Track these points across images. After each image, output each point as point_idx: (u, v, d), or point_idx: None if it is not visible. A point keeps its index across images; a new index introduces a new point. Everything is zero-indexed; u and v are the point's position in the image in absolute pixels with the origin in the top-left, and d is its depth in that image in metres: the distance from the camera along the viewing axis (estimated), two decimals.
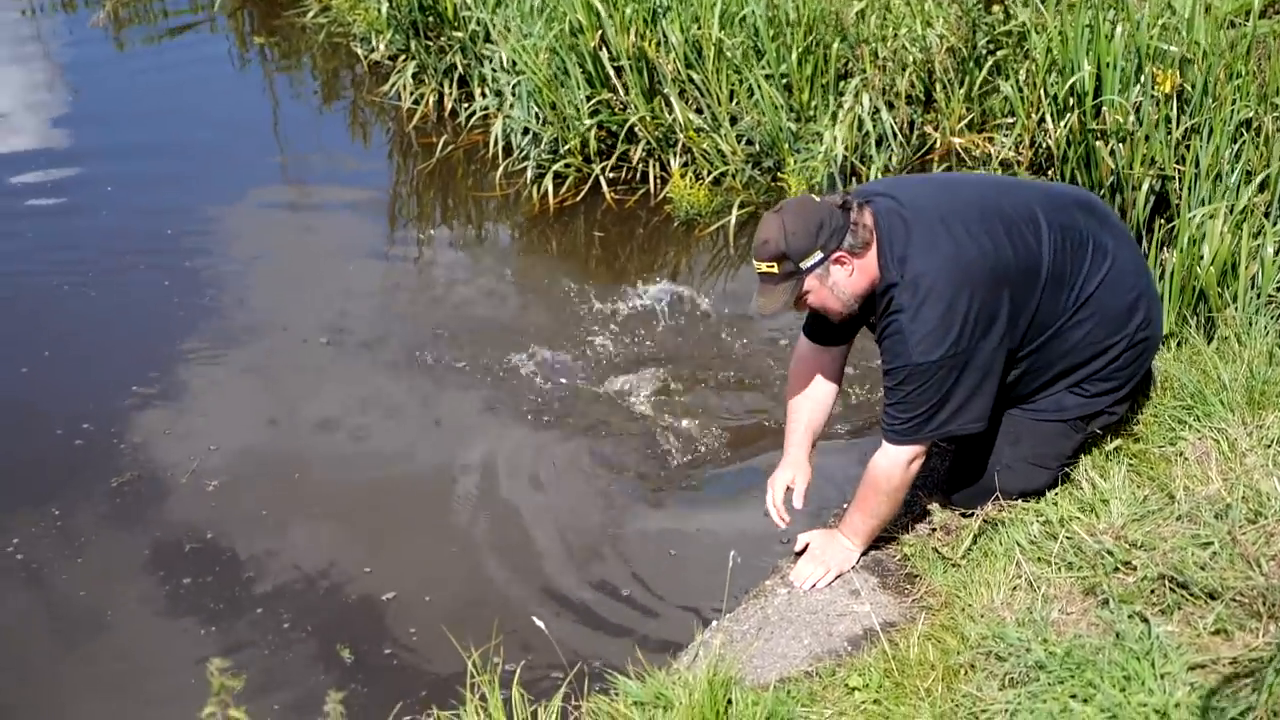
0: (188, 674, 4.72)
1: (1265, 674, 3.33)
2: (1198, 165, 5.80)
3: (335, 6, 10.72)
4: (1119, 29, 6.36)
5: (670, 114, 7.76)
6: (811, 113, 7.62)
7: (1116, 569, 4.02)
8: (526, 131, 8.11)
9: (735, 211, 7.46)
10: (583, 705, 3.97)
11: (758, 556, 4.88)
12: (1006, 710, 3.59)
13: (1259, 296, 5.25)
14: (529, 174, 8.03)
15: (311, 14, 10.95)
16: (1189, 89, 6.24)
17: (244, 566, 5.30)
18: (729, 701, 3.77)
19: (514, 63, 8.13)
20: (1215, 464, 4.34)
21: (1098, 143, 6.50)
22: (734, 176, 7.70)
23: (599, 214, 7.84)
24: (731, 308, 6.81)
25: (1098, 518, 4.25)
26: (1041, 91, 6.90)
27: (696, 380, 6.21)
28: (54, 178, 8.85)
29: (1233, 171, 5.74)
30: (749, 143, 7.74)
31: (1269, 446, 4.38)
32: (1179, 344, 5.23)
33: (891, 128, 7.48)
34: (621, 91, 7.82)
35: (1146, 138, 6.18)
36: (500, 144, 8.22)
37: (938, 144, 7.58)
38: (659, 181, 7.90)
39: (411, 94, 9.08)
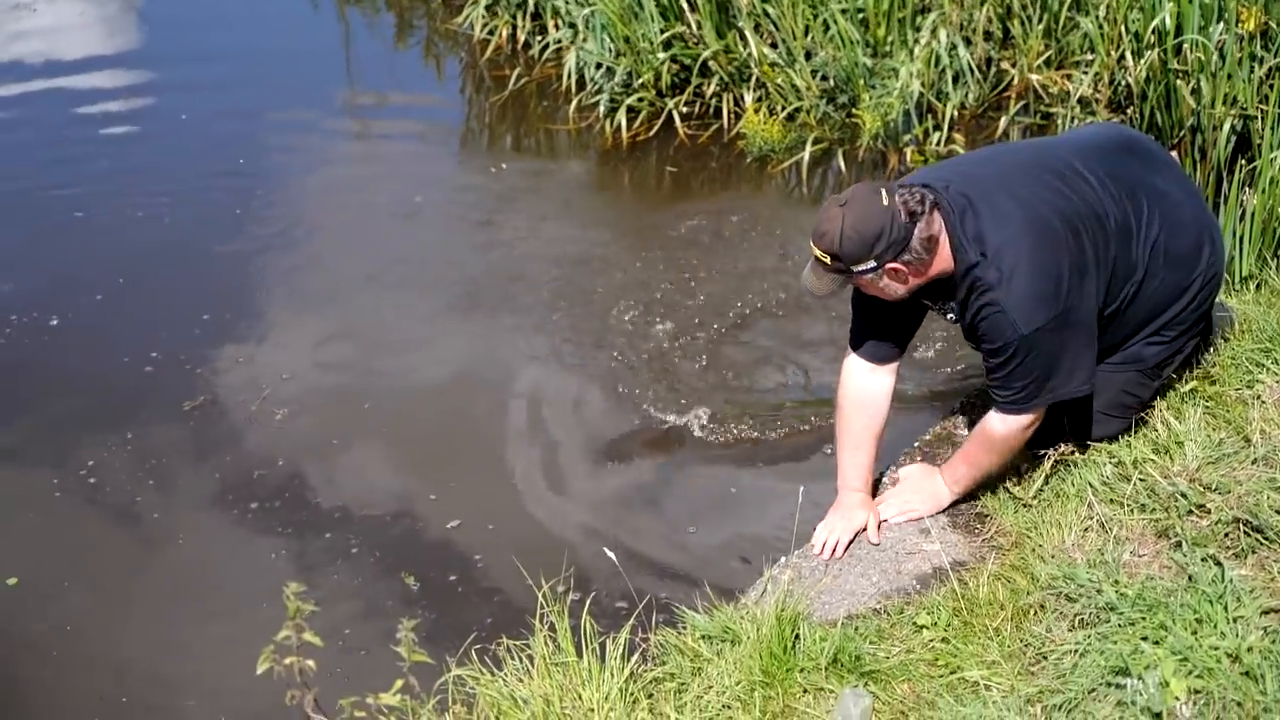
0: (257, 597, 4.79)
1: None
2: None
3: None
4: None
5: (745, 48, 7.70)
6: (888, 48, 7.54)
7: (1190, 512, 3.99)
8: (599, 65, 8.07)
9: (809, 148, 7.41)
10: (650, 638, 3.99)
11: (827, 493, 4.88)
12: (1076, 651, 3.58)
13: None
14: (602, 108, 7.99)
15: None
16: (1273, 26, 6.13)
17: (311, 493, 5.37)
18: (796, 637, 3.78)
19: None
20: None
21: (1178, 81, 6.41)
22: (808, 112, 7.64)
23: (672, 149, 7.80)
24: (803, 244, 6.76)
25: (1172, 460, 4.21)
26: (1122, 28, 6.79)
27: (765, 318, 6.19)
28: (129, 107, 8.89)
29: None
30: (824, 78, 7.67)
31: None
32: (1258, 286, 5.17)
33: (969, 64, 7.39)
34: (695, 25, 7.76)
35: (1229, 76, 6.09)
36: (573, 77, 8.18)
37: (1015, 81, 7.49)
38: (733, 117, 7.85)
39: (485, 26, 9.04)
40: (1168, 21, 6.32)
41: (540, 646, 3.70)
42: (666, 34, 7.77)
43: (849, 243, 3.84)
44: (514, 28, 8.92)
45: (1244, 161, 5.94)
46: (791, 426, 5.50)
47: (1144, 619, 3.55)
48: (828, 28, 7.53)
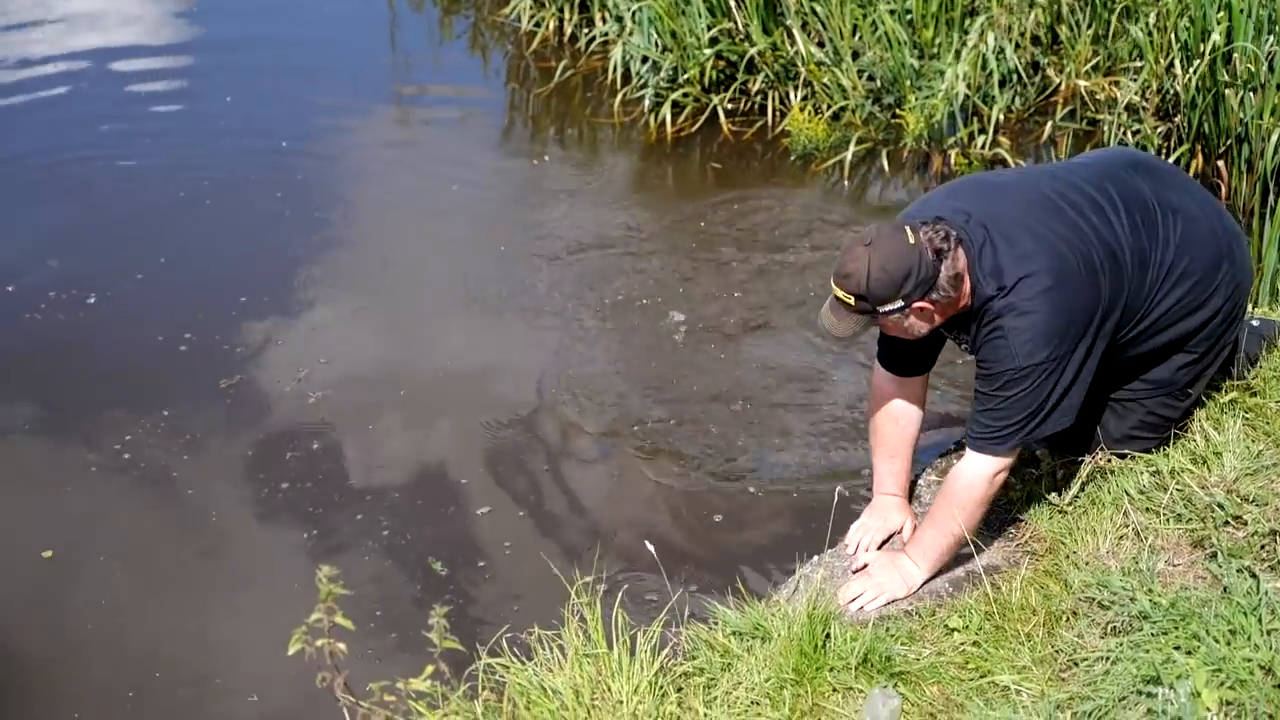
0: (289, 576, 4.86)
1: None
2: None
3: None
4: None
5: (792, 46, 7.69)
6: (935, 50, 7.52)
7: (1226, 523, 3.97)
8: (645, 59, 8.07)
9: (853, 147, 7.40)
10: (681, 632, 3.99)
11: (863, 492, 4.88)
12: (1107, 658, 3.57)
13: None
14: (646, 103, 8.00)
15: None
16: None
17: (343, 475, 5.40)
18: (827, 636, 3.78)
19: None
20: None
21: (1227, 91, 6.37)
22: (853, 112, 7.63)
23: (715, 145, 7.79)
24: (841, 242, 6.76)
25: (1209, 470, 4.20)
26: (1171, 36, 6.76)
27: (800, 311, 6.19)
28: (174, 87, 8.95)
29: None
30: (870, 78, 7.66)
31: None
32: None
33: (1016, 68, 7.37)
34: (741, 22, 7.76)
35: (1278, 87, 6.04)
36: (619, 71, 8.18)
37: (1062, 87, 7.47)
38: (777, 115, 7.84)
39: (532, 17, 9.05)
40: (1217, 32, 6.28)
41: (571, 637, 3.71)
42: (713, 30, 7.77)
43: (877, 284, 3.75)
44: (561, 20, 8.93)
45: None
46: (830, 427, 5.49)
47: (1177, 628, 3.54)
48: (875, 28, 7.52)
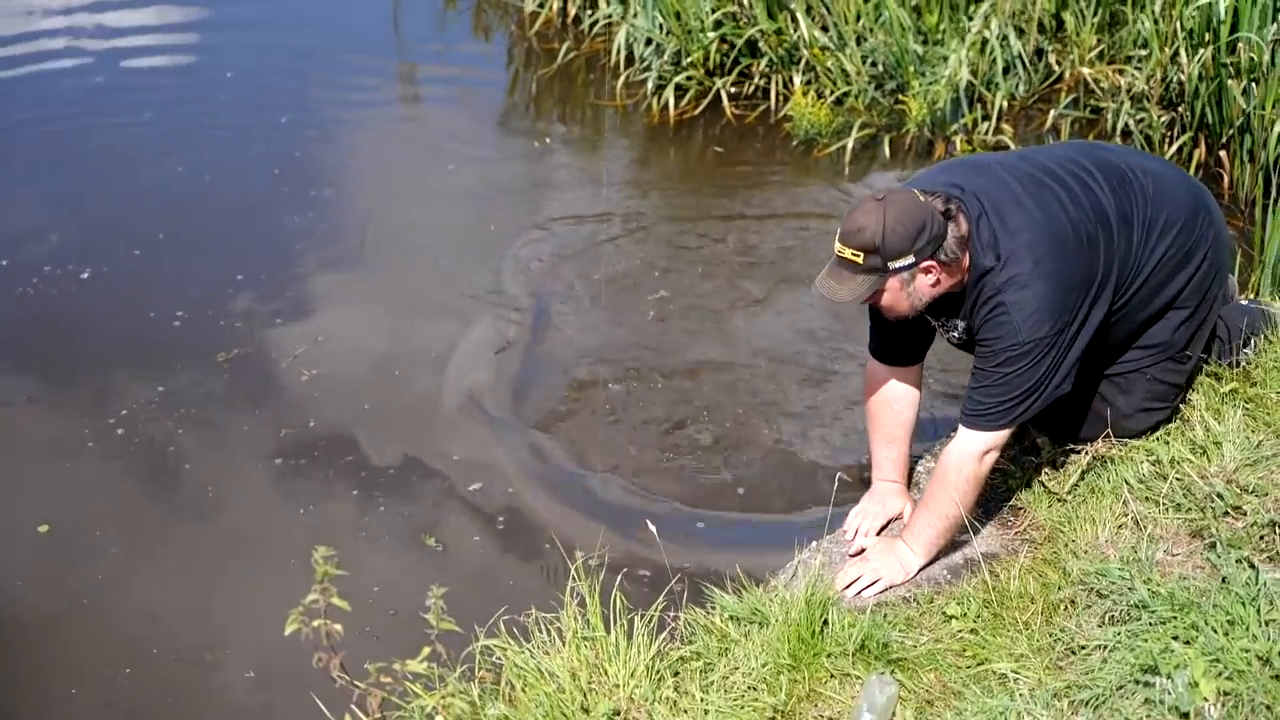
0: (286, 551, 4.85)
1: None
2: None
3: None
4: None
5: (795, 30, 7.67)
6: (939, 36, 7.51)
7: (1226, 513, 3.97)
8: (649, 42, 8.05)
9: (855, 133, 7.38)
10: (679, 616, 3.99)
11: (863, 478, 4.87)
12: (1105, 647, 3.56)
13: None
14: (649, 85, 7.98)
15: None
16: None
17: (338, 451, 5.41)
18: (825, 622, 3.78)
19: None
20: None
21: (1230, 81, 6.36)
22: (856, 97, 7.62)
23: (718, 129, 7.78)
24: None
25: (1209, 460, 4.19)
26: (1177, 24, 6.74)
27: (797, 299, 6.19)
28: (174, 62, 8.96)
29: None
30: (873, 64, 7.65)
31: None
32: None
33: (1020, 54, 7.35)
34: (746, 5, 7.74)
35: None
36: (622, 53, 8.16)
37: (1066, 74, 7.45)
38: (780, 99, 7.82)
39: None
40: (1223, 17, 6.26)
41: (570, 620, 3.71)
42: (717, 12, 7.75)
43: (892, 235, 3.71)
44: (564, 1, 8.91)
45: None
46: (832, 414, 5.49)
47: (1175, 618, 3.53)
48: (879, 12, 7.50)
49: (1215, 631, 3.44)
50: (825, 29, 7.73)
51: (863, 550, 4.27)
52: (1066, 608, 3.80)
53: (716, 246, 6.66)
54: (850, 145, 7.36)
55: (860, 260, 3.76)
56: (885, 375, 4.35)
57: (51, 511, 5.08)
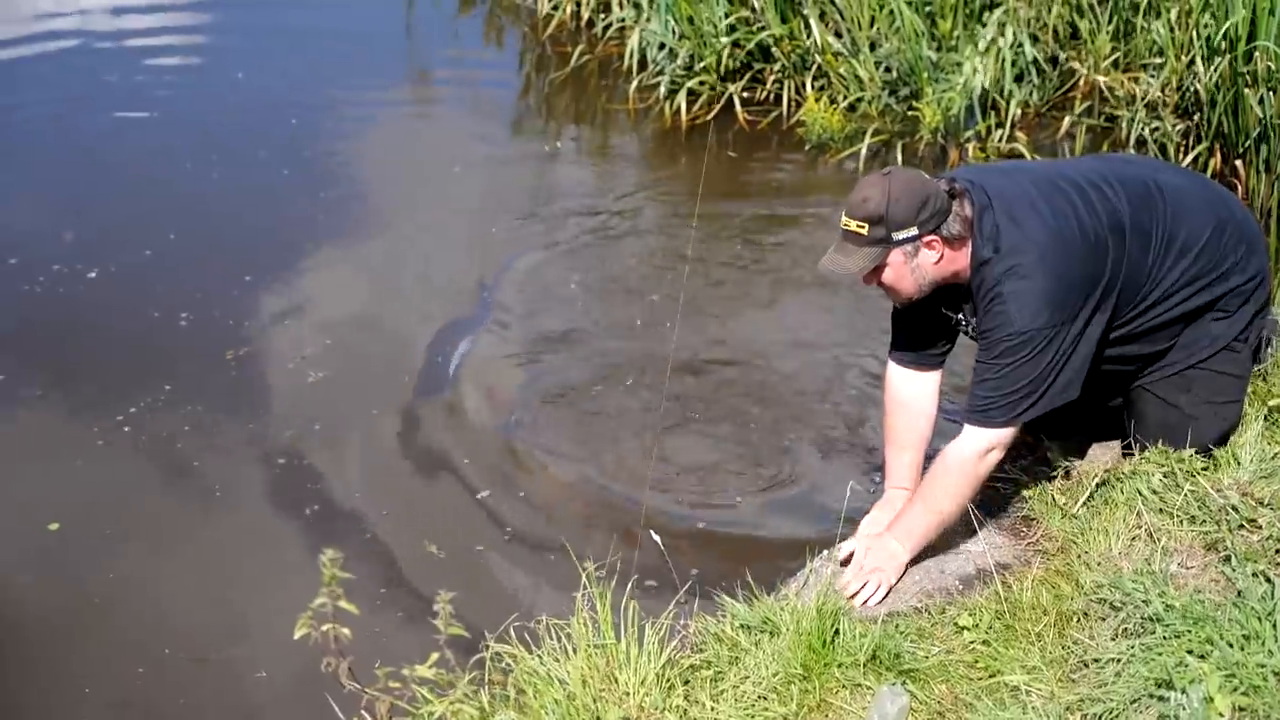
0: (293, 551, 4.88)
1: None
2: None
3: None
4: None
5: (809, 36, 7.66)
6: (953, 42, 7.49)
7: (1241, 526, 3.94)
8: (662, 46, 8.04)
9: (868, 139, 7.37)
10: (690, 624, 3.97)
11: (876, 488, 4.86)
12: (1119, 660, 3.54)
13: None
14: (662, 89, 7.97)
15: None
16: None
17: (343, 454, 5.41)
18: (836, 631, 3.75)
19: None
20: None
21: (1246, 90, 6.33)
22: (869, 103, 7.61)
23: (730, 133, 7.77)
24: None
25: (1224, 472, 4.16)
26: (1193, 33, 6.72)
27: (809, 301, 6.17)
28: (186, 63, 9.00)
29: None
30: (887, 70, 7.63)
31: None
32: None
33: (1036, 60, 7.33)
34: (759, 10, 7.73)
35: None
36: (635, 58, 8.16)
37: (1081, 82, 7.43)
38: (793, 105, 7.81)
39: (549, 1, 9.03)
40: (1240, 27, 6.24)
41: (580, 627, 3.69)
42: (730, 17, 7.74)
43: (896, 204, 3.78)
44: (578, 4, 8.93)
45: None
46: (844, 424, 5.47)
47: (1190, 632, 3.51)
48: (893, 19, 7.48)
49: (1230, 646, 3.42)
50: (838, 34, 7.72)
51: (852, 554, 4.22)
52: (1079, 620, 3.77)
53: (725, 250, 6.65)
54: (863, 152, 7.34)
55: (865, 231, 3.83)
56: (904, 380, 4.33)
57: (61, 510, 5.08)
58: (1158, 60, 7.11)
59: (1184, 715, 3.24)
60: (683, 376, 5.72)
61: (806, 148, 7.55)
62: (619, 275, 6.52)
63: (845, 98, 7.63)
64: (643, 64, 8.18)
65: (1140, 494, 4.18)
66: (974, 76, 7.22)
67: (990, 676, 3.66)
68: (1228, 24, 6.32)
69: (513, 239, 6.86)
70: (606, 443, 5.41)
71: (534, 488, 5.21)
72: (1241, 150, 6.54)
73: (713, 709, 3.57)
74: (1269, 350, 4.57)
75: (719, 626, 3.90)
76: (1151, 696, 3.36)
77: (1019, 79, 7.40)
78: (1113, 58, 7.31)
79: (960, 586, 4.10)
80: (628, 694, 3.56)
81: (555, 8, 8.97)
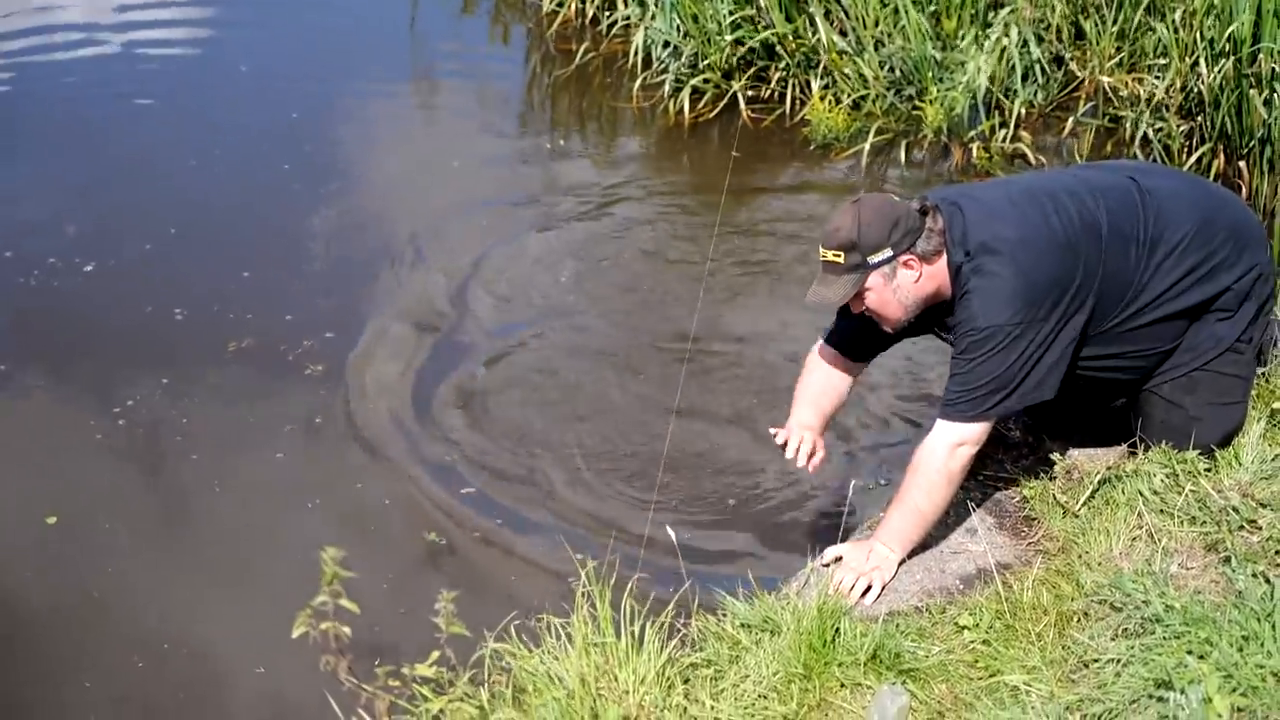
0: (293, 545, 4.85)
1: None
2: None
3: None
4: None
5: (814, 34, 7.66)
6: (958, 41, 7.48)
7: (1241, 527, 3.94)
8: (667, 44, 8.04)
9: (872, 137, 7.37)
10: (690, 622, 3.97)
11: (877, 487, 4.86)
12: (1119, 661, 3.54)
13: None
14: (666, 88, 7.97)
15: None
16: None
17: (343, 448, 5.42)
18: (837, 631, 3.75)
19: None
20: None
21: (1251, 91, 6.32)
22: (874, 102, 7.60)
23: (734, 132, 7.76)
24: None
25: (1225, 473, 4.16)
26: (1198, 34, 6.71)
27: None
28: (189, 56, 9.01)
29: None
30: (891, 69, 7.62)
31: None
32: None
33: (1040, 62, 7.33)
34: (764, 8, 7.72)
35: None
36: (640, 55, 8.15)
37: (1085, 82, 7.42)
38: (797, 103, 7.80)
39: None
40: (1245, 28, 6.23)
41: (580, 625, 3.69)
42: (735, 15, 7.73)
43: (868, 229, 3.86)
44: (583, 1, 8.90)
45: None
46: (843, 423, 5.46)
47: (1190, 632, 3.51)
48: (898, 17, 7.48)
49: (1230, 647, 3.42)
50: (843, 33, 7.71)
51: (839, 559, 4.21)
52: (1080, 620, 3.78)
53: (727, 248, 6.64)
54: (867, 150, 7.34)
55: (842, 259, 3.91)
56: (827, 361, 4.43)
57: (59, 503, 5.09)
58: (1162, 61, 7.10)
59: (1183, 716, 3.23)
60: (684, 372, 5.71)
61: (811, 146, 7.54)
62: (621, 271, 6.52)
63: (850, 96, 7.63)
64: (647, 62, 8.17)
65: (1141, 494, 4.18)
66: (978, 76, 7.21)
67: (990, 676, 3.66)
68: (1232, 26, 6.32)
69: (513, 233, 6.87)
70: (606, 441, 5.42)
71: (533, 482, 5.21)
72: (1245, 151, 6.53)
73: (713, 708, 3.57)
74: (1275, 350, 4.59)
75: (719, 625, 3.90)
76: (1151, 697, 3.36)
77: (1023, 79, 7.39)
78: (1117, 58, 7.30)
79: (961, 586, 4.10)
80: (627, 692, 3.57)
81: (559, 5, 8.96)
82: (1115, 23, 7.25)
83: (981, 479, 4.47)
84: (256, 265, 6.56)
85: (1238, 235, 4.12)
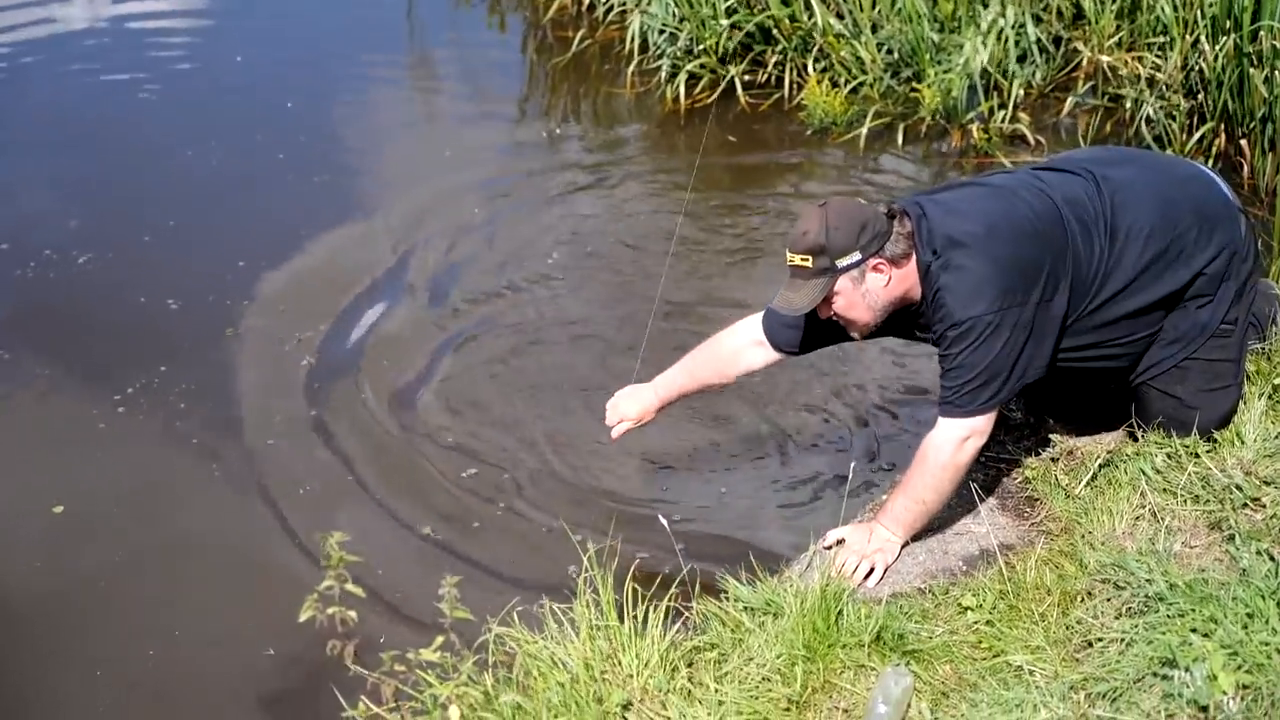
0: (295, 530, 4.88)
1: None
2: None
3: None
4: None
5: (810, 18, 7.64)
6: (955, 23, 7.46)
7: (1245, 505, 3.94)
8: (663, 30, 8.02)
9: (869, 121, 7.35)
10: (693, 606, 3.97)
11: (878, 470, 4.86)
12: (1123, 640, 3.54)
13: None
14: (663, 73, 7.96)
15: None
16: None
17: (337, 436, 5.41)
18: (840, 613, 3.75)
19: None
20: None
21: (1252, 70, 6.31)
22: (871, 85, 7.58)
23: (731, 117, 7.76)
24: None
25: (1228, 451, 4.16)
26: (1198, 11, 6.69)
27: None
28: (186, 43, 9.01)
29: None
30: (889, 51, 7.61)
31: None
32: None
33: (1037, 41, 7.31)
34: None
35: None
36: (636, 41, 8.14)
37: (1085, 62, 7.41)
38: (794, 87, 7.79)
39: None
40: (1245, 4, 6.21)
41: (583, 610, 3.69)
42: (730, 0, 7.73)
43: (835, 232, 3.86)
44: None
45: None
46: (845, 406, 5.46)
47: (1194, 611, 3.51)
48: (895, 0, 7.46)
49: (1234, 624, 3.41)
50: (840, 16, 7.70)
51: (841, 541, 4.21)
52: (1083, 600, 3.78)
53: (724, 233, 6.63)
54: (864, 134, 7.33)
55: (810, 264, 3.91)
56: (745, 334, 4.50)
57: (65, 492, 5.09)
58: (1162, 39, 7.08)
59: (1187, 694, 3.24)
60: (676, 356, 5.70)
61: (808, 131, 7.53)
62: (614, 258, 6.51)
63: (847, 80, 7.61)
64: (644, 47, 8.16)
65: (1144, 474, 4.19)
66: (976, 57, 7.20)
67: (994, 656, 3.66)
68: (1233, 2, 6.30)
69: (509, 219, 6.88)
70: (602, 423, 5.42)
71: (533, 468, 5.20)
72: (1246, 130, 6.52)
73: (716, 691, 3.57)
74: (1274, 327, 4.57)
75: (722, 609, 3.90)
76: (1155, 675, 3.36)
77: (1021, 59, 7.37)
78: (1116, 37, 7.28)
79: (964, 567, 4.11)
80: (631, 676, 3.57)
81: None
82: (1115, 1, 7.23)
83: (984, 460, 4.46)
84: (251, 255, 6.56)
85: (1205, 216, 4.09)
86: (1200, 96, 6.76)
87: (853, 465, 4.35)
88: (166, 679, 4.34)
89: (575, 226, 6.83)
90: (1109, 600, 3.72)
